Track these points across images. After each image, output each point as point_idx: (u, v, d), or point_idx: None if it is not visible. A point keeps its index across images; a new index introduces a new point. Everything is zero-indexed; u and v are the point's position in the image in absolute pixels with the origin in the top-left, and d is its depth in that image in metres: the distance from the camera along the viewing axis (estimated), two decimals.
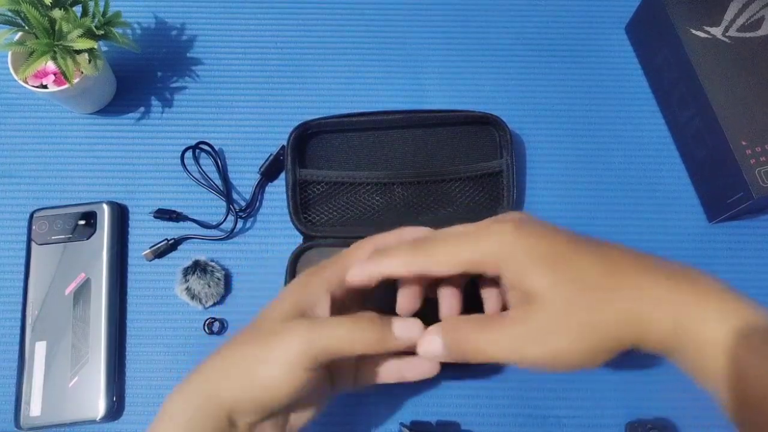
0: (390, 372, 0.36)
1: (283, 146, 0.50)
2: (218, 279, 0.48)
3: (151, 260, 0.50)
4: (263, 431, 0.33)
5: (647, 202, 0.52)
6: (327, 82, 0.56)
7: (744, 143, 0.46)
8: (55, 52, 0.45)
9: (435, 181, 0.50)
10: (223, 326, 0.49)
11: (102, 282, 0.47)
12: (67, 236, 0.48)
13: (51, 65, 0.49)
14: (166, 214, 0.50)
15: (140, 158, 0.53)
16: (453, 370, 0.41)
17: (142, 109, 0.54)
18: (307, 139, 0.50)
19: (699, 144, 0.50)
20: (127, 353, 0.48)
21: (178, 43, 0.57)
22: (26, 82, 0.48)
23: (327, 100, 0.55)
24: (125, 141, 0.53)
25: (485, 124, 0.51)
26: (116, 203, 0.51)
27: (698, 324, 0.26)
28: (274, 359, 0.31)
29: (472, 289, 0.37)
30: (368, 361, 0.36)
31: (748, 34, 0.49)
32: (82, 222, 0.49)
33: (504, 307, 0.36)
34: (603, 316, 0.27)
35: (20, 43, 0.47)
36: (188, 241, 0.51)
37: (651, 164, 0.53)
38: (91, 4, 0.48)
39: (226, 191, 0.51)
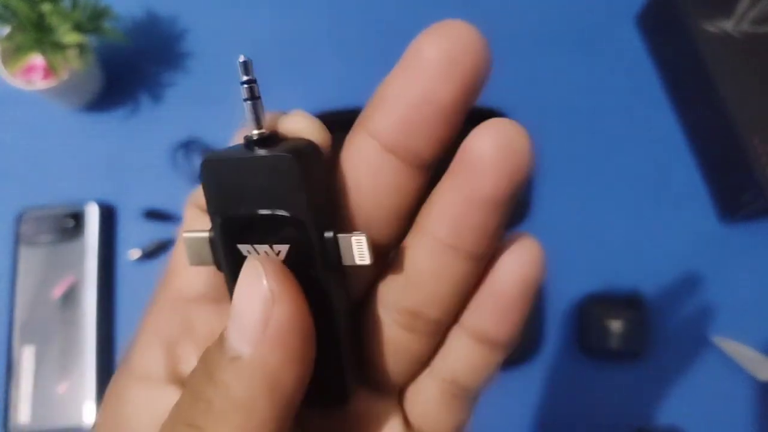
0: None
1: None
2: None
3: (137, 259, 0.51)
4: None
5: (657, 199, 0.53)
6: (324, 77, 0.56)
7: (756, 141, 0.47)
8: (43, 46, 0.48)
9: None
10: None
11: (91, 284, 0.49)
12: (54, 237, 0.50)
13: (39, 60, 0.50)
14: (157, 215, 0.52)
15: (130, 156, 0.54)
16: None
17: (131, 104, 0.55)
18: None
19: (710, 141, 0.51)
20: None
21: (170, 37, 0.58)
22: (14, 78, 0.50)
23: (324, 94, 0.55)
24: (114, 138, 0.54)
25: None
26: (105, 203, 0.52)
27: None
28: None
29: None
30: None
31: (760, 29, 0.50)
32: (70, 222, 0.50)
33: None
34: None
35: (8, 38, 0.49)
36: None
37: (661, 161, 0.54)
38: None
39: None
